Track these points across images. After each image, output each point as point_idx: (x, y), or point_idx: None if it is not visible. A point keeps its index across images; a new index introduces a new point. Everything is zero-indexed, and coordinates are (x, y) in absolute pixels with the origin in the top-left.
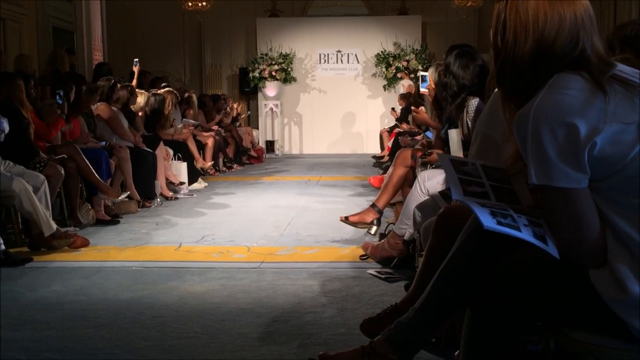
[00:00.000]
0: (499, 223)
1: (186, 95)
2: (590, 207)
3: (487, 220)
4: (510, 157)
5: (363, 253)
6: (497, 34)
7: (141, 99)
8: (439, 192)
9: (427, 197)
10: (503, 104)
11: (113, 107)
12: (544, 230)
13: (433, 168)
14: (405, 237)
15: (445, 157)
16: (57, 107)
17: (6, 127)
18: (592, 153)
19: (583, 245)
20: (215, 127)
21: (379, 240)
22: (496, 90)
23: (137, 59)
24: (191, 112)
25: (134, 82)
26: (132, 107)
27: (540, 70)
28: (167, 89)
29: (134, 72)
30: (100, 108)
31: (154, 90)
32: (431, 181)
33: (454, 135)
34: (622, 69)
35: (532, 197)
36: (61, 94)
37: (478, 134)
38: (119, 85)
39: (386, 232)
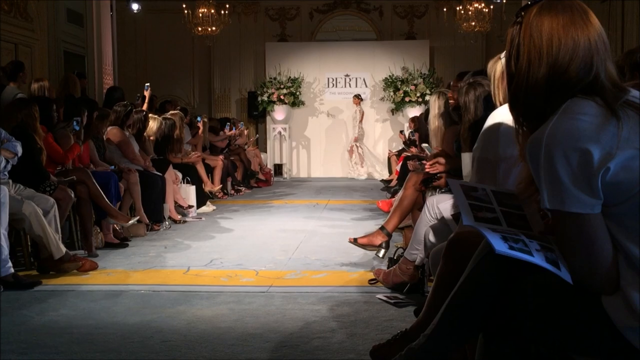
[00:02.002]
0: (511, 248)
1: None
2: (603, 233)
3: (499, 245)
4: (522, 181)
5: (372, 277)
6: (511, 59)
7: (154, 123)
8: (452, 215)
9: (436, 222)
10: (516, 128)
11: (125, 132)
12: (556, 256)
13: (442, 192)
14: (417, 263)
15: (455, 182)
16: (74, 134)
17: (19, 150)
18: (605, 178)
19: (595, 271)
20: (227, 133)
21: (388, 265)
22: (491, 115)
23: (148, 84)
24: (200, 134)
25: (145, 106)
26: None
27: (554, 95)
28: (175, 111)
29: (144, 97)
30: (111, 132)
31: (164, 115)
32: (444, 204)
33: (467, 159)
34: (635, 94)
35: (544, 222)
36: (78, 120)
37: (474, 159)
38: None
39: (395, 257)
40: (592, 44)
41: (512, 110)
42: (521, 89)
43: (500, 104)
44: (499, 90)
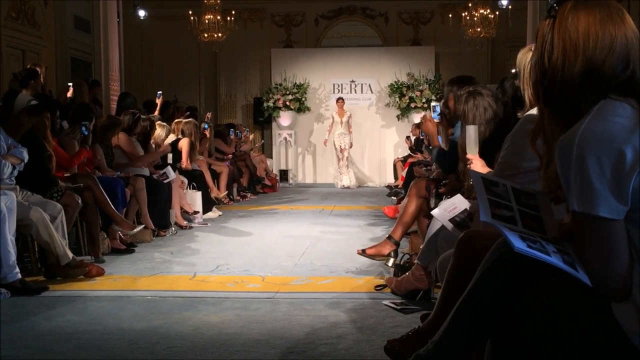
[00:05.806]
0: (529, 247)
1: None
2: (622, 241)
3: (518, 243)
4: (552, 173)
5: (378, 284)
6: (544, 53)
7: (162, 131)
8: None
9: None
10: (549, 124)
11: (132, 138)
12: (572, 259)
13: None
14: (429, 268)
15: (477, 174)
16: (83, 138)
17: (26, 156)
18: (635, 184)
19: (611, 277)
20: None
21: (394, 272)
22: (524, 118)
23: (160, 92)
24: (207, 142)
25: (156, 113)
26: (154, 140)
27: (588, 91)
28: (187, 119)
29: (156, 104)
30: (120, 139)
31: (177, 120)
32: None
33: (472, 132)
34: None
35: (558, 228)
36: (87, 124)
37: (498, 161)
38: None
39: (401, 262)
40: (629, 40)
41: (545, 105)
42: (555, 83)
43: (529, 99)
44: (528, 85)
